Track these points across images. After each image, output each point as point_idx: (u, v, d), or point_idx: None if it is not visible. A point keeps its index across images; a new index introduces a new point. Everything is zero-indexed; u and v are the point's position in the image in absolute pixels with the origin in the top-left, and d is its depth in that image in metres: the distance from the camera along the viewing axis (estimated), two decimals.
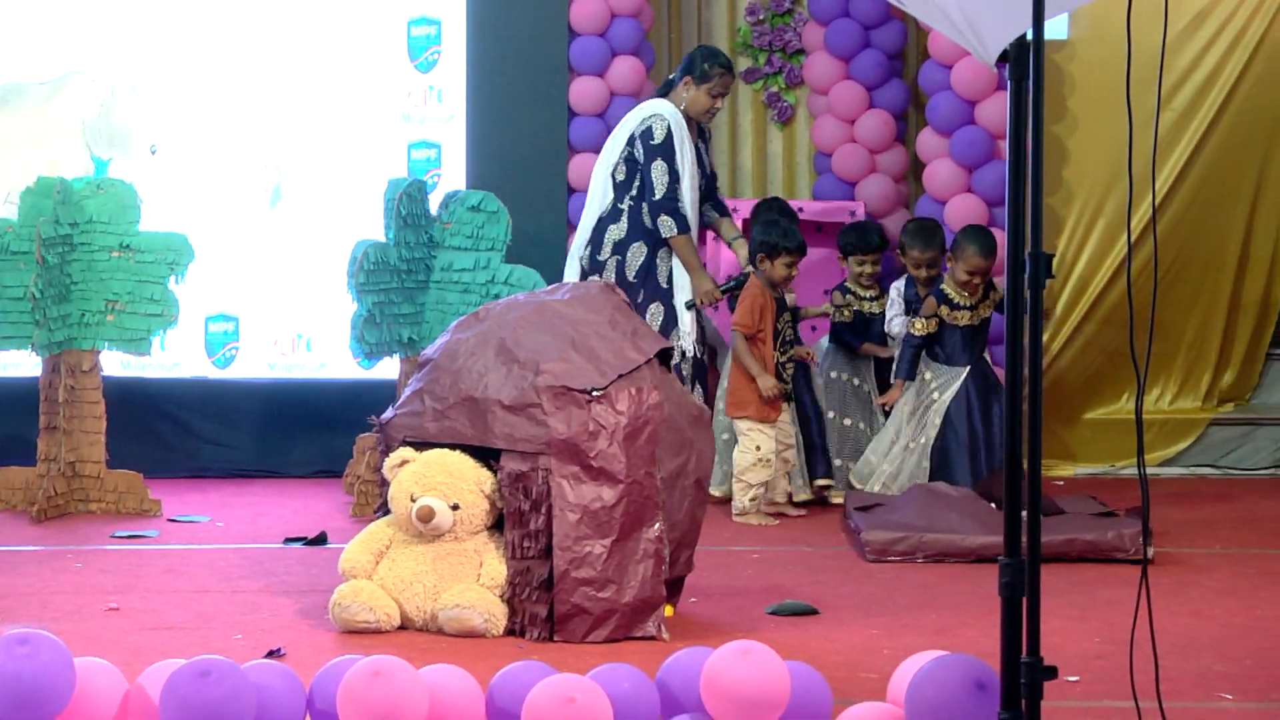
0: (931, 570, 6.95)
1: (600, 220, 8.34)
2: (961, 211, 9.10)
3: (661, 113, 8.30)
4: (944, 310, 8.25)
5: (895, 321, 8.60)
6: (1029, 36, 3.84)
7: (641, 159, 8.25)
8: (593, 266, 8.33)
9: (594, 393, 5.76)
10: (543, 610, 5.73)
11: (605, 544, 5.71)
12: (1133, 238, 8.92)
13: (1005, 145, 4.40)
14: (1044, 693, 3.80)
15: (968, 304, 8.20)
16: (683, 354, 8.25)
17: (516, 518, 5.76)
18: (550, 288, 6.42)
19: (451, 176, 9.00)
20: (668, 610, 5.91)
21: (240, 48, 8.99)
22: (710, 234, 8.91)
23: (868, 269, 8.77)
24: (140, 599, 6.24)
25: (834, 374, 8.76)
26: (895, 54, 9.64)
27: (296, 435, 8.96)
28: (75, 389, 7.81)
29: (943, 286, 8.25)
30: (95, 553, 7.09)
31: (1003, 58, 3.98)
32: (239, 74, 8.99)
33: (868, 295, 8.79)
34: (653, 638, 5.72)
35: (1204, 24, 9.40)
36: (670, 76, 8.54)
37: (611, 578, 5.71)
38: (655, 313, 8.24)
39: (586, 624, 5.70)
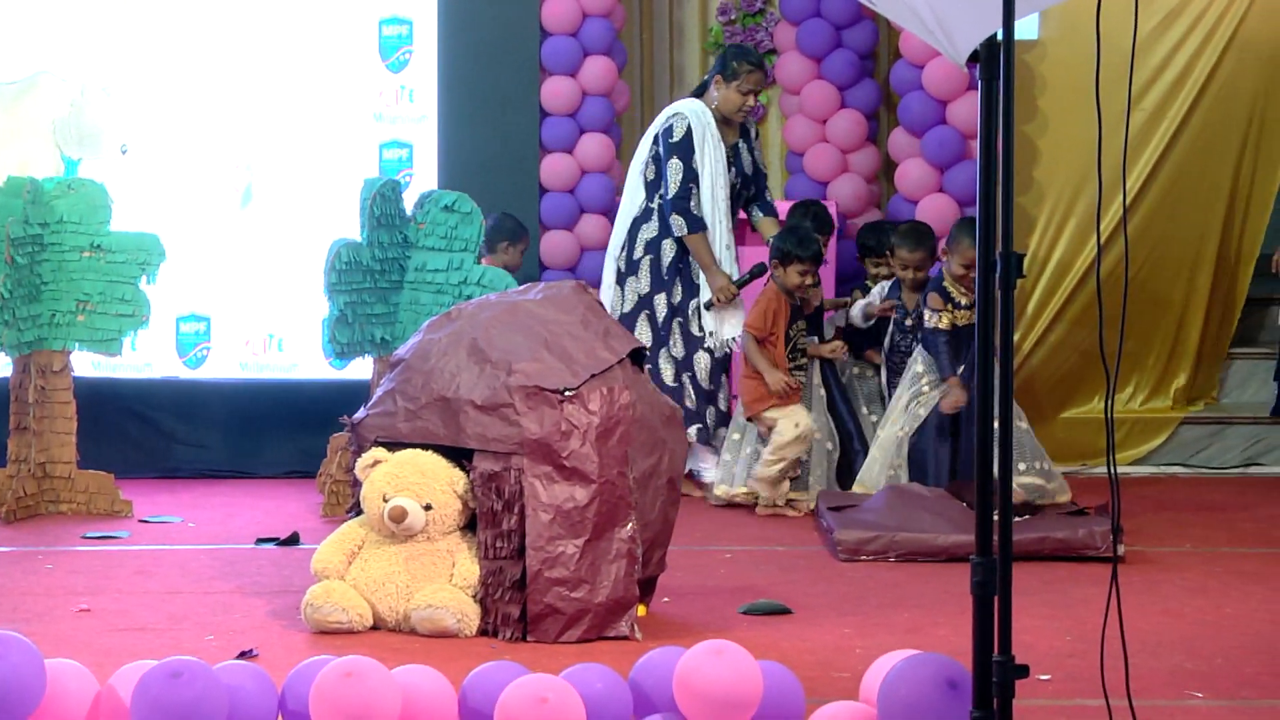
0: (903, 569, 6.96)
1: (634, 221, 8.45)
2: (933, 211, 9.12)
3: (683, 111, 8.38)
4: (948, 309, 8.06)
5: (856, 307, 8.66)
6: (999, 36, 3.84)
7: (663, 158, 8.33)
8: (629, 267, 8.39)
9: (566, 392, 5.76)
10: (516, 610, 5.73)
11: (578, 544, 5.71)
12: (1103, 238, 8.96)
13: (976, 145, 4.40)
14: (1016, 691, 3.81)
15: (967, 303, 8.04)
16: (710, 352, 8.35)
17: (489, 518, 5.76)
18: (522, 288, 6.41)
19: (423, 176, 8.99)
20: (641, 610, 5.91)
21: (211, 47, 8.96)
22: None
23: (883, 270, 8.75)
24: (111, 600, 6.22)
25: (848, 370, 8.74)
26: (867, 54, 9.65)
27: (268, 435, 8.94)
28: (46, 389, 7.78)
29: (944, 284, 8.06)
30: (66, 554, 7.07)
31: (973, 58, 3.99)
32: (210, 73, 8.97)
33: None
34: (626, 637, 5.72)
35: (1174, 24, 9.42)
36: (705, 76, 8.61)
37: (584, 578, 5.71)
38: (693, 309, 8.38)
39: (559, 624, 5.70)
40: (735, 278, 8.35)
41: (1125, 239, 6.27)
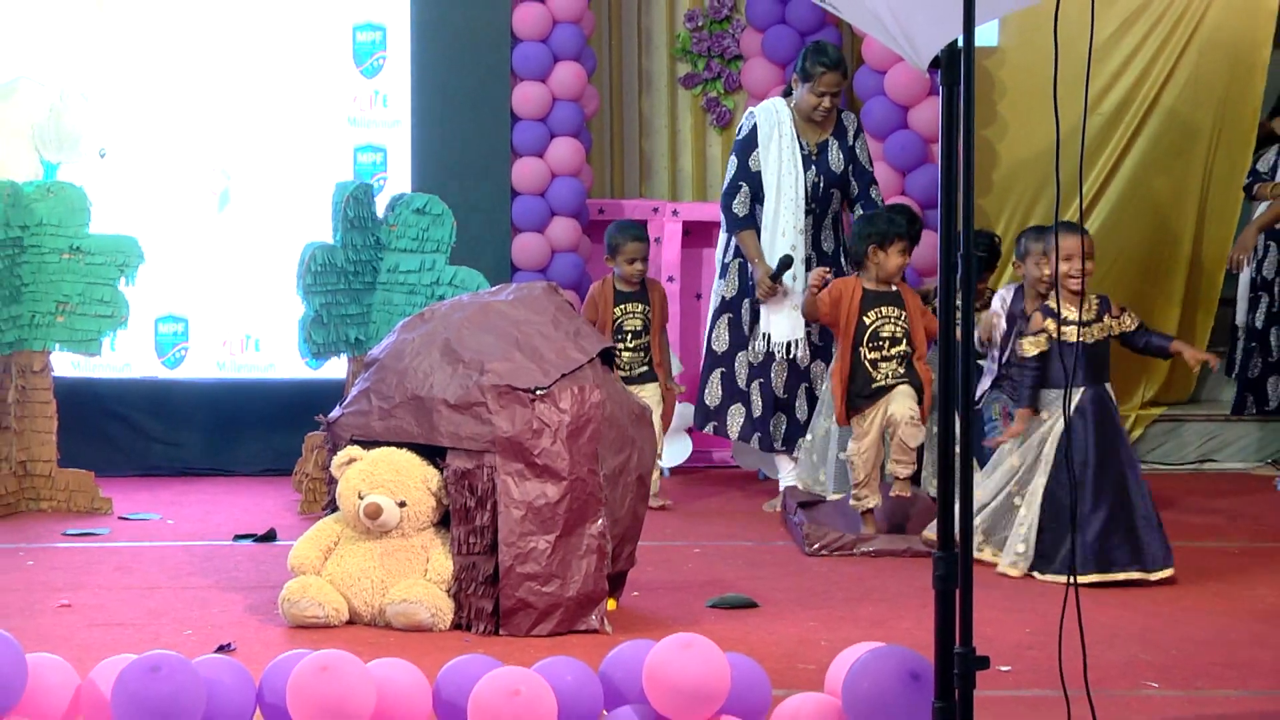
0: (868, 564, 6.98)
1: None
2: None
3: (755, 109, 8.26)
4: (1050, 325, 6.83)
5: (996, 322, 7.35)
6: (960, 43, 3.85)
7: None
8: (721, 270, 8.30)
9: (538, 391, 5.76)
10: (488, 605, 5.73)
11: (549, 539, 5.71)
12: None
13: (938, 149, 4.41)
14: (976, 682, 3.82)
15: (1081, 319, 6.83)
16: (787, 347, 8.09)
17: (462, 514, 5.76)
18: (494, 289, 6.42)
19: (397, 180, 8.98)
20: (610, 604, 5.92)
21: (188, 53, 8.94)
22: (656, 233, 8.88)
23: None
24: (91, 596, 6.21)
25: None
26: None
27: (245, 434, 8.93)
28: (26, 389, 7.76)
29: (1046, 302, 6.98)
30: (46, 550, 7.05)
31: (934, 63, 4.00)
32: (187, 79, 8.94)
33: None
34: (596, 631, 5.73)
35: (1131, 29, 9.45)
36: (790, 72, 8.38)
37: (555, 572, 5.71)
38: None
39: (531, 618, 5.70)
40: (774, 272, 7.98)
41: (1083, 241, 6.26)
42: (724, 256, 8.29)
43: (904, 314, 7.32)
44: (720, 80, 9.82)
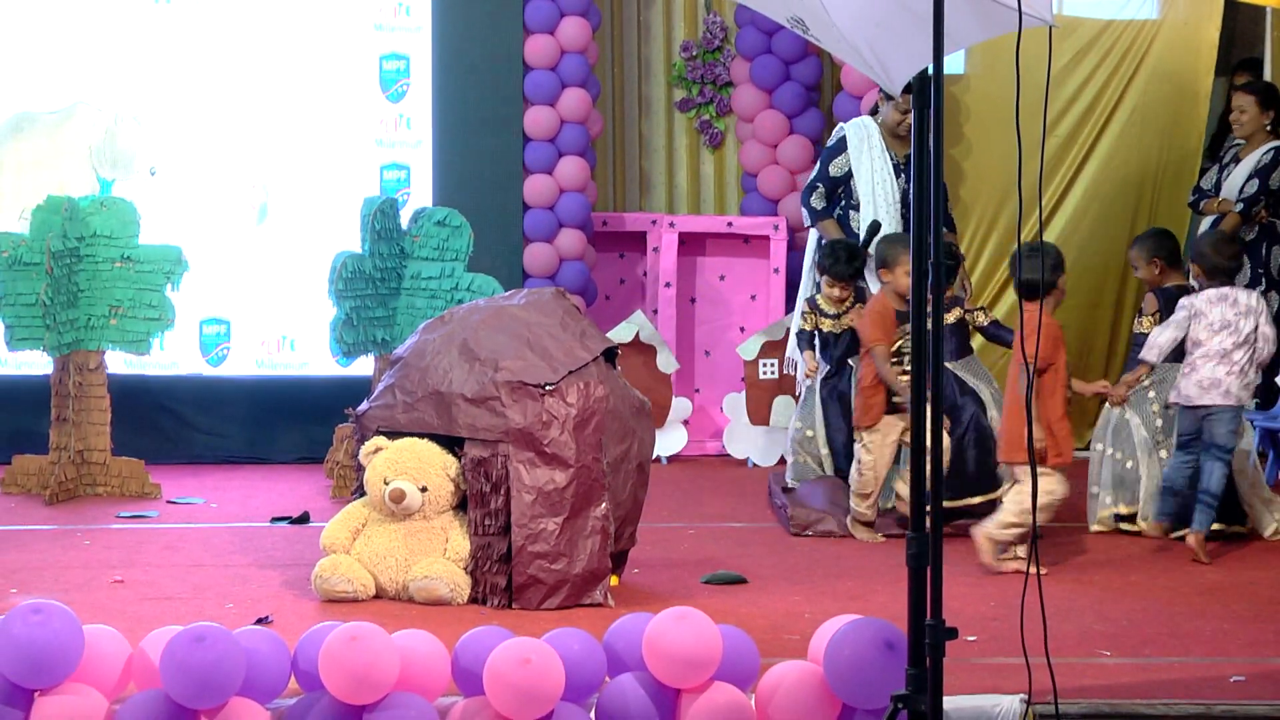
0: (847, 544, 6.97)
1: None
2: None
3: (845, 124, 8.25)
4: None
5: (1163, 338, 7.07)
6: (929, 71, 3.85)
7: None
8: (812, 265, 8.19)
9: (547, 387, 5.75)
10: (502, 581, 5.72)
11: (558, 521, 5.70)
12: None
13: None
14: (946, 651, 3.82)
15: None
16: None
17: (478, 498, 5.75)
18: (508, 294, 6.40)
19: (419, 195, 8.96)
20: (613, 580, 5.91)
21: (231, 80, 8.93)
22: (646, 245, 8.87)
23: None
24: (142, 572, 6.20)
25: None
26: (813, 86, 9.65)
27: (282, 426, 8.91)
28: (83, 385, 7.75)
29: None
30: (102, 531, 7.04)
31: (907, 89, 4.00)
32: (230, 104, 8.93)
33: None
34: (600, 605, 5.72)
35: (1084, 60, 9.42)
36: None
37: (563, 551, 5.70)
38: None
39: (541, 593, 5.69)
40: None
41: (1042, 254, 6.23)
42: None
43: None
44: (713, 104, 9.80)
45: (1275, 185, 8.35)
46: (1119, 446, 7.25)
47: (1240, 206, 8.29)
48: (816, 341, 7.64)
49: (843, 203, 8.14)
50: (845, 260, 7.52)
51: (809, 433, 7.63)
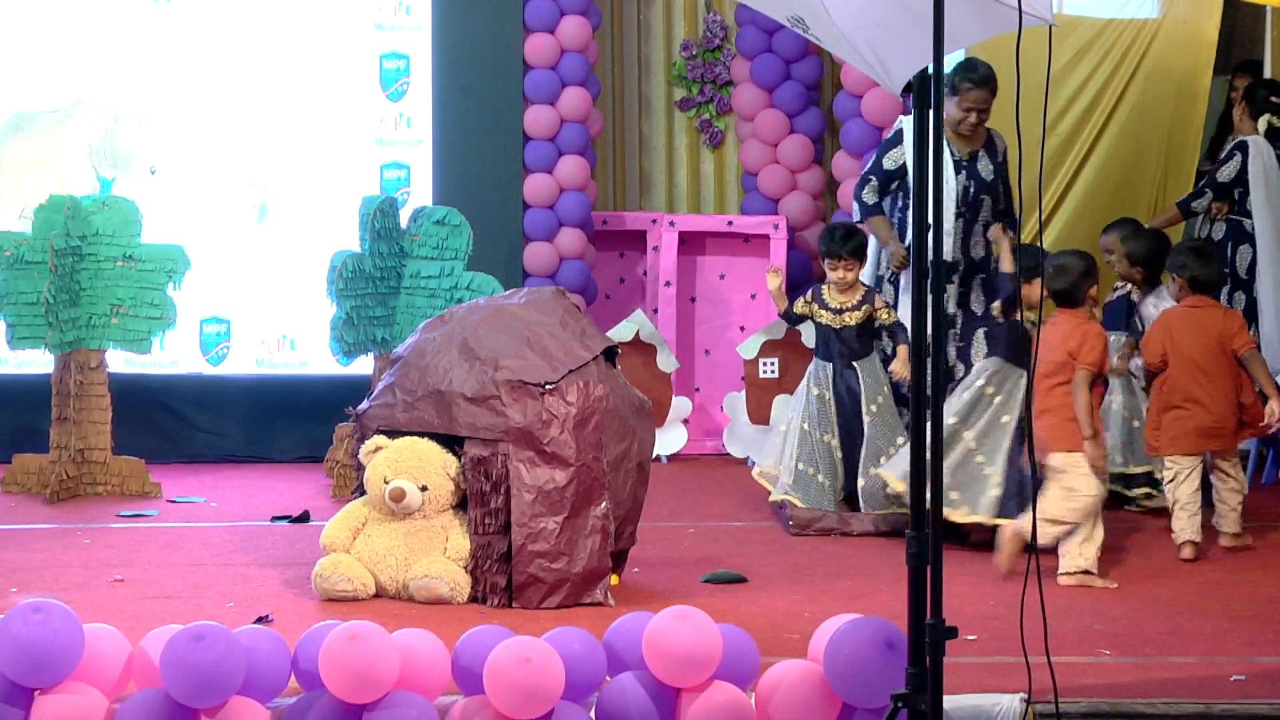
0: (847, 543, 6.97)
1: None
2: None
3: (905, 117, 7.86)
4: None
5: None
6: (930, 70, 3.85)
7: None
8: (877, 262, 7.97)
9: (547, 386, 5.75)
10: (502, 580, 5.72)
11: (558, 520, 5.70)
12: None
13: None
14: (946, 650, 3.82)
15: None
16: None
17: (478, 497, 5.75)
18: (508, 293, 6.41)
19: (419, 194, 8.96)
20: (613, 579, 5.91)
21: (231, 79, 8.92)
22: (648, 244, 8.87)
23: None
24: (142, 571, 6.20)
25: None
26: (813, 85, 9.65)
27: (282, 425, 8.91)
28: (84, 384, 7.75)
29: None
30: (102, 530, 7.04)
31: (907, 89, 4.00)
32: (230, 102, 8.93)
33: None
34: (600, 604, 5.72)
35: (1083, 59, 9.41)
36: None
37: (563, 550, 5.70)
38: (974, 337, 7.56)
39: (541, 592, 5.69)
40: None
41: (1042, 253, 6.23)
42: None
43: None
44: (713, 104, 9.80)
45: (1223, 179, 8.41)
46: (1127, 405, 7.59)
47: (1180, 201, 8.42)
48: (816, 337, 7.53)
49: (900, 204, 7.79)
50: (840, 239, 7.41)
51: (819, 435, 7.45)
